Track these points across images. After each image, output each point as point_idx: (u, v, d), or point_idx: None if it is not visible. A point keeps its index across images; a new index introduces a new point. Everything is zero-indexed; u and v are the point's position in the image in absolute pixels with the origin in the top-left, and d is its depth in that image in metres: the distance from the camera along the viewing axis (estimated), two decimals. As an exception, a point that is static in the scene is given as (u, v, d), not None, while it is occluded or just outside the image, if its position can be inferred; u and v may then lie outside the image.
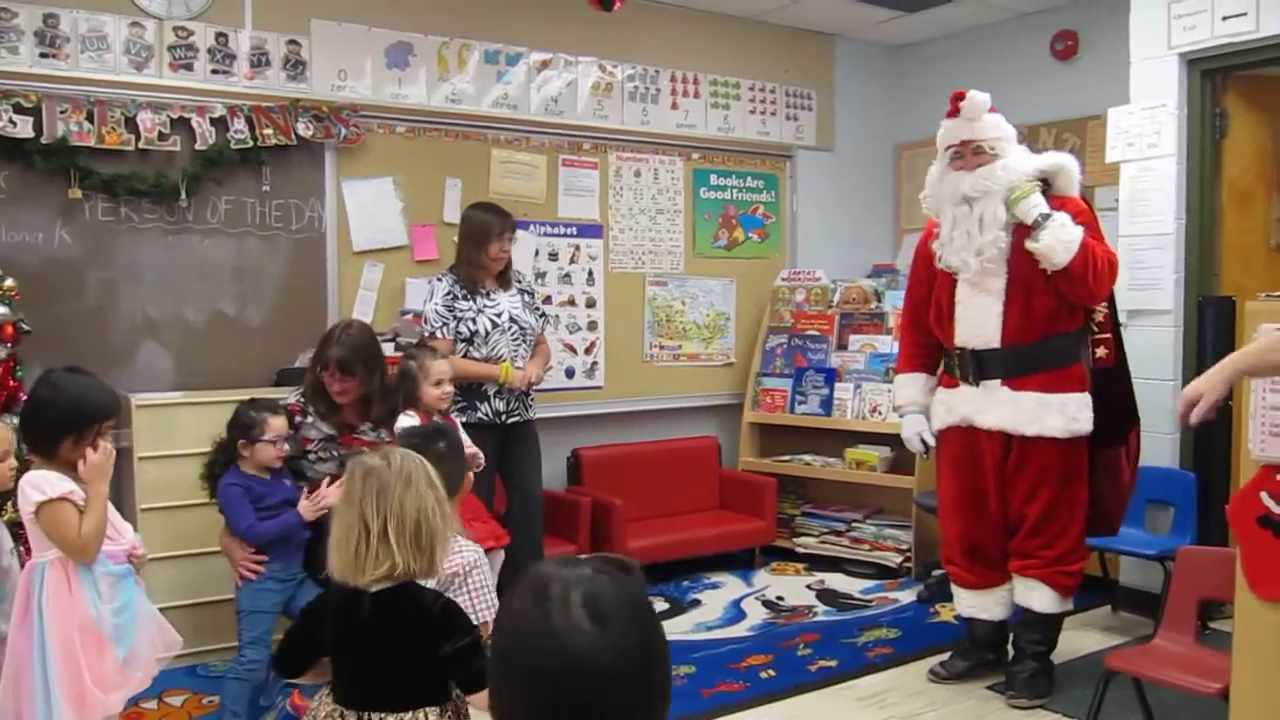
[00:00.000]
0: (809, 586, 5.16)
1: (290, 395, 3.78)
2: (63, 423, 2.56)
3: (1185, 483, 4.40)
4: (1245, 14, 4.22)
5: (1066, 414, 3.59)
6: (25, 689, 2.48)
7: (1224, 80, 4.47)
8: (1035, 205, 3.51)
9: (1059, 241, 3.47)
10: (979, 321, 3.66)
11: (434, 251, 4.96)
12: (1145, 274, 4.58)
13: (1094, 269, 3.50)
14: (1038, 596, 3.73)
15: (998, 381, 3.66)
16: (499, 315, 4.34)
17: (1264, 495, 2.66)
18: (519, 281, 4.51)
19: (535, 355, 4.48)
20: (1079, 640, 4.26)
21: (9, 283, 3.63)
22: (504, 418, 4.35)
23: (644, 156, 5.62)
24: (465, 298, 4.30)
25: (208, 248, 4.47)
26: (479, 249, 4.29)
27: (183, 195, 4.34)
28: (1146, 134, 4.55)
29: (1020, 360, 3.62)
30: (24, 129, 4.02)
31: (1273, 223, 4.61)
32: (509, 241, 4.35)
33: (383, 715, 1.96)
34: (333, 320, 4.50)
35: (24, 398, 3.46)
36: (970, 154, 3.63)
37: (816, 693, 3.88)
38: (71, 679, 2.48)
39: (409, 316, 4.72)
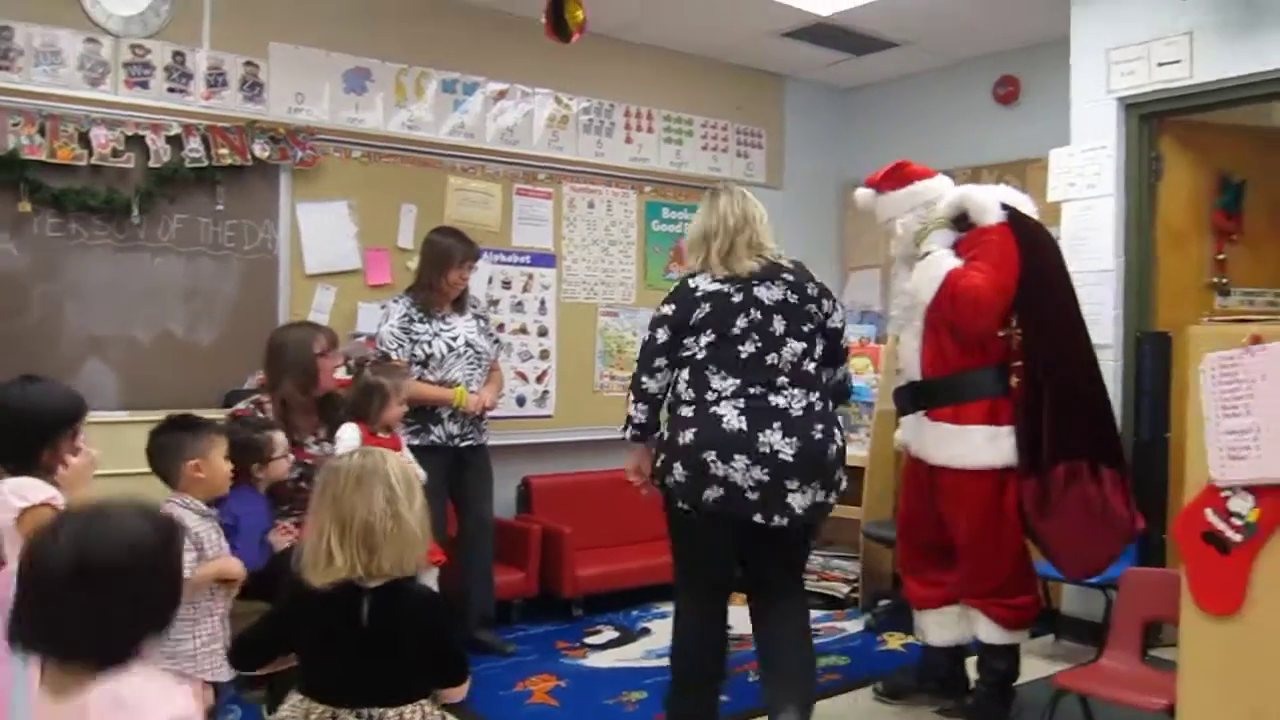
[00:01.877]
0: (757, 616, 5.17)
1: (241, 403, 3.77)
2: (35, 431, 2.50)
3: (1125, 512, 4.50)
4: (1180, 61, 4.41)
5: (969, 444, 3.65)
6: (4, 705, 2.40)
7: (1159, 124, 4.65)
8: (925, 247, 3.73)
9: (924, 278, 3.67)
10: (907, 358, 3.88)
11: (388, 276, 4.95)
12: (1086, 310, 4.66)
13: (951, 300, 3.59)
14: (981, 626, 3.79)
15: (922, 412, 3.80)
16: (454, 339, 4.36)
17: (1209, 512, 2.75)
18: (474, 307, 4.54)
19: (490, 381, 4.50)
20: (1024, 668, 4.32)
21: (-44, 292, 3.55)
22: (457, 441, 4.36)
23: (597, 188, 5.68)
24: (421, 321, 4.31)
25: (158, 266, 4.42)
26: (439, 274, 4.30)
27: (135, 212, 4.30)
28: (1086, 175, 4.72)
29: (933, 392, 3.77)
30: (-26, 140, 3.98)
31: (1206, 261, 4.78)
32: (469, 270, 4.40)
33: (383, 710, 1.97)
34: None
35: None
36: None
37: (766, 716, 3.88)
38: None
39: (362, 339, 4.69)
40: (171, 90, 4.44)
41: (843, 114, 6.66)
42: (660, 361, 3.29)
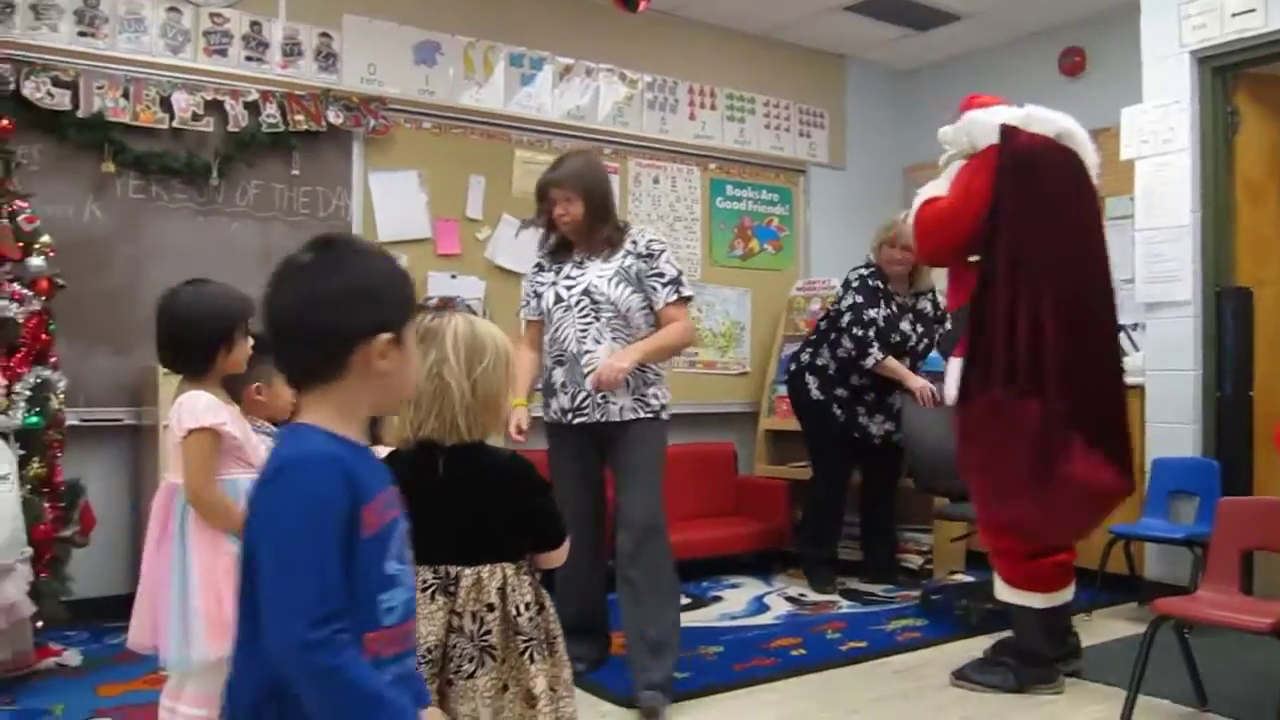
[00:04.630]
0: (830, 587, 5.11)
1: None
2: (211, 334, 2.50)
3: (1209, 471, 4.40)
4: (1254, 10, 4.35)
5: (950, 379, 3.59)
6: (162, 615, 2.40)
7: (1235, 79, 4.58)
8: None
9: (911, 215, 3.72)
10: None
11: (457, 246, 4.99)
12: (1163, 267, 4.63)
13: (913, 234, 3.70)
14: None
15: None
16: (570, 289, 3.48)
17: (1314, 416, 2.68)
18: (634, 244, 3.49)
19: (641, 340, 3.42)
20: (1108, 629, 4.22)
21: (46, 239, 3.62)
22: (569, 416, 3.49)
23: (662, 164, 5.71)
24: (549, 269, 3.61)
25: (235, 230, 4.49)
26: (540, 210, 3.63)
27: (214, 175, 4.38)
28: (1160, 130, 4.65)
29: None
30: (61, 101, 4.07)
31: (1286, 216, 4.69)
32: (558, 202, 3.45)
33: (460, 569, 1.93)
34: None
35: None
36: None
37: (849, 668, 3.82)
38: (213, 608, 2.35)
39: (434, 300, 4.72)
40: (249, 59, 4.54)
41: (904, 96, 6.65)
42: None
